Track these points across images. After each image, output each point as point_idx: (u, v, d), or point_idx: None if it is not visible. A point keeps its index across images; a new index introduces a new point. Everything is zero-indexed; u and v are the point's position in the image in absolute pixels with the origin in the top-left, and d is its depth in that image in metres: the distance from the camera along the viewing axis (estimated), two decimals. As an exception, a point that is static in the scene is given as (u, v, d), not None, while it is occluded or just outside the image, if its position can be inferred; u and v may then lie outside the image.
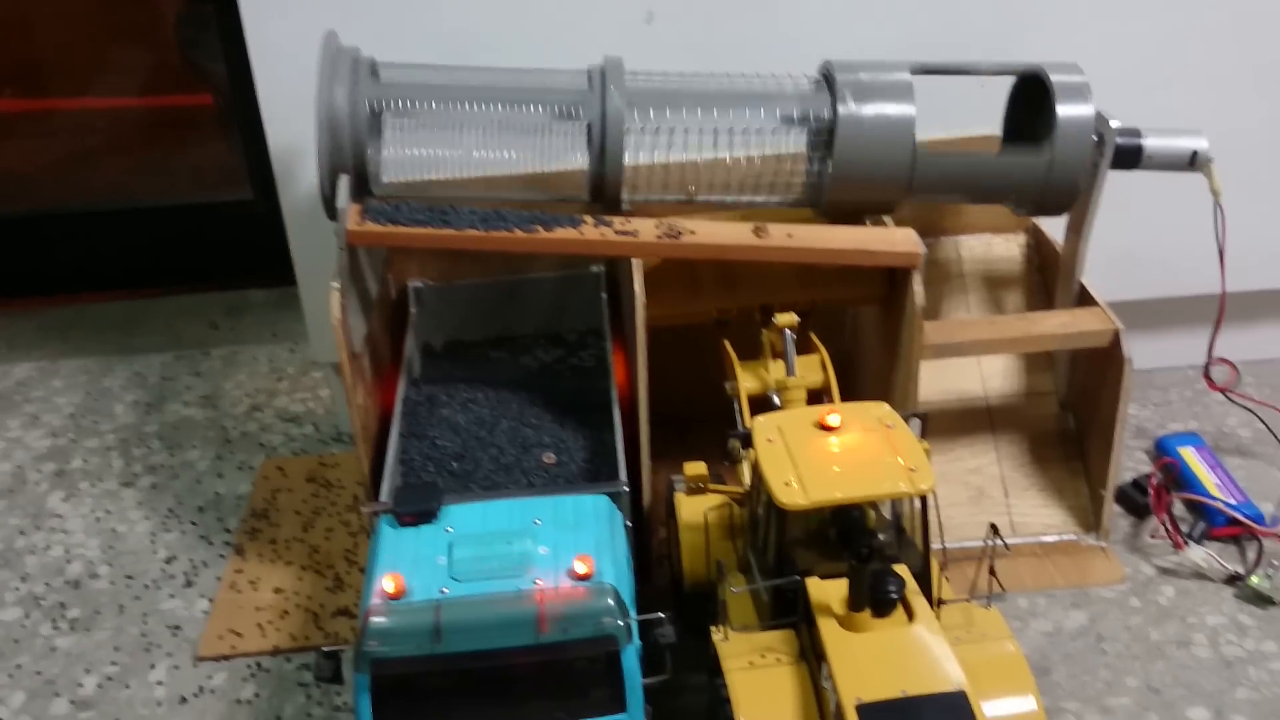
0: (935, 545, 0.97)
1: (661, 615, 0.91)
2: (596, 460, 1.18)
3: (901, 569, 0.93)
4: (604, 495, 1.01)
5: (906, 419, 1.00)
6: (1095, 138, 1.18)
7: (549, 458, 1.18)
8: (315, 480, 1.45)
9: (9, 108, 2.32)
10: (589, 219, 1.14)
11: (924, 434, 1.05)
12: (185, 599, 1.28)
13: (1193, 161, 1.21)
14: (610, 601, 0.88)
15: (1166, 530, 1.25)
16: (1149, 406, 1.51)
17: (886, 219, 1.22)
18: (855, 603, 0.89)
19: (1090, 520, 1.29)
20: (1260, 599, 1.19)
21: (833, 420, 0.98)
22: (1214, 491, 1.30)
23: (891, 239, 1.16)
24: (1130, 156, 1.20)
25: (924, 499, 0.95)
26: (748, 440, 1.01)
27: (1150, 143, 1.20)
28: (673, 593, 1.19)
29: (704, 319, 1.23)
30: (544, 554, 0.92)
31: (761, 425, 1.00)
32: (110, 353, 1.77)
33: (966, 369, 1.37)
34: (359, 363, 1.15)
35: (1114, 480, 1.25)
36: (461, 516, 0.97)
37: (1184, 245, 1.31)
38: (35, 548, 1.37)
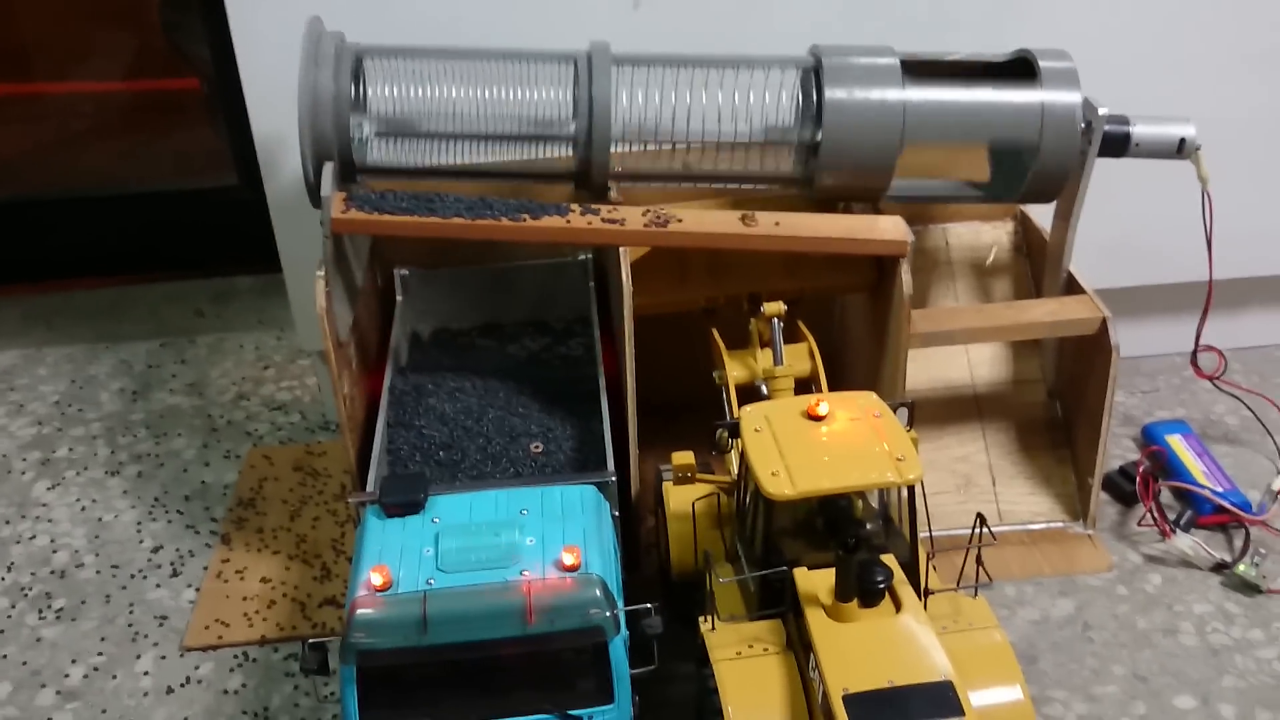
0: (923, 534, 0.97)
1: (649, 606, 0.91)
2: (584, 449, 1.17)
3: (889, 559, 0.93)
4: (591, 485, 1.01)
5: (894, 408, 1.00)
6: (1083, 125, 1.17)
7: (536, 447, 1.17)
8: (302, 469, 1.45)
9: (-8, 92, 2.31)
10: (576, 207, 1.14)
11: (911, 423, 1.05)
12: (172, 589, 1.28)
13: (1180, 149, 1.21)
14: (597, 593, 0.88)
15: (1154, 518, 1.25)
16: (1136, 394, 1.52)
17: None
18: (842, 593, 0.89)
19: (1077, 508, 1.29)
20: (1247, 587, 1.20)
21: (820, 410, 0.97)
22: (1201, 479, 1.30)
23: (879, 227, 1.16)
24: (1118, 144, 1.20)
25: (911, 488, 0.95)
26: (735, 430, 1.01)
27: (1138, 130, 1.20)
28: (661, 582, 1.19)
29: (692, 307, 1.23)
30: (531, 545, 0.92)
31: (749, 415, 0.99)
32: (96, 340, 1.76)
33: (954, 357, 1.37)
34: (345, 352, 1.15)
35: (1101, 468, 1.25)
36: (448, 507, 0.97)
37: (1171, 232, 1.31)
38: (20, 537, 1.36)
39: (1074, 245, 1.26)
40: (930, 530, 0.98)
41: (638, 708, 0.92)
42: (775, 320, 1.15)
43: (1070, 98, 1.16)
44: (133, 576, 1.30)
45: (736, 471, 1.06)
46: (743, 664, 0.92)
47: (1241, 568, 1.21)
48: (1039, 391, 1.36)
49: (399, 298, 1.36)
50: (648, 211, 1.14)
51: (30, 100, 2.31)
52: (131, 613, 1.25)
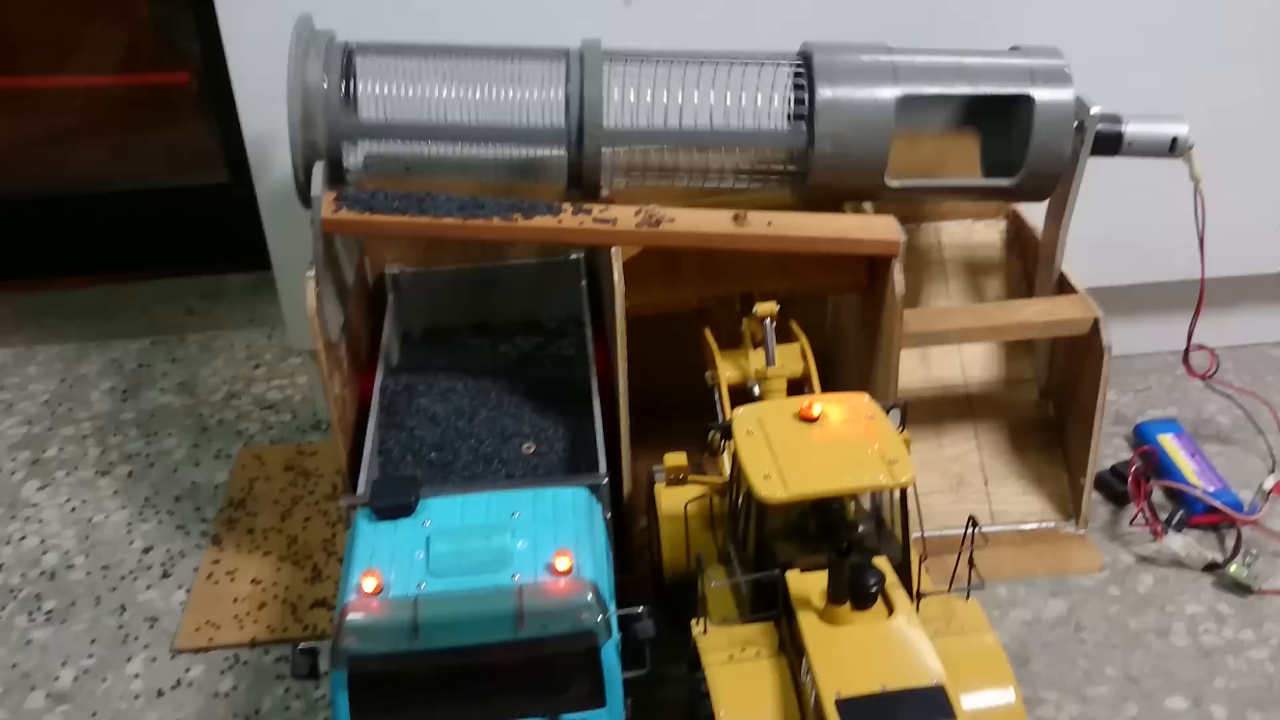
0: (915, 534, 0.97)
1: (641, 610, 0.91)
2: (576, 450, 1.17)
3: (881, 562, 0.93)
4: (583, 487, 1.01)
5: (887, 410, 1.00)
6: (1075, 124, 1.17)
7: (529, 448, 1.17)
8: (293, 469, 1.44)
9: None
10: (568, 207, 1.13)
11: (904, 424, 1.05)
12: (162, 590, 1.27)
13: (1173, 148, 1.21)
14: (589, 597, 0.88)
15: (1146, 518, 1.25)
16: (1128, 392, 1.52)
17: (867, 206, 1.22)
18: (835, 596, 0.89)
19: (1070, 508, 1.29)
20: (1238, 587, 1.20)
21: (813, 412, 0.97)
22: (1193, 479, 1.30)
23: (872, 227, 1.16)
24: (1111, 143, 1.20)
25: (904, 491, 0.94)
26: (728, 432, 1.01)
27: (1131, 129, 1.20)
28: (653, 583, 1.18)
29: (684, 307, 1.23)
30: (523, 548, 0.92)
31: (741, 417, 0.99)
32: (86, 339, 1.76)
33: (947, 356, 1.37)
34: (336, 352, 1.14)
35: (1093, 468, 1.25)
36: (439, 510, 0.97)
37: (1163, 231, 1.30)
38: (10, 538, 1.36)
39: (1066, 244, 1.26)
40: (922, 530, 0.98)
41: (630, 711, 0.92)
42: (768, 321, 1.14)
43: (1062, 96, 1.16)
44: (123, 578, 1.29)
45: (729, 473, 1.06)
46: (735, 668, 0.92)
47: (1233, 568, 1.20)
48: (1031, 391, 1.36)
49: (390, 297, 1.36)
50: (639, 211, 1.13)
51: (18, 95, 2.30)
52: (122, 614, 1.24)
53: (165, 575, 1.29)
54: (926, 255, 1.40)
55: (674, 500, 1.12)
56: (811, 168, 1.16)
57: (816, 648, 0.87)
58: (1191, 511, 1.28)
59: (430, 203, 1.11)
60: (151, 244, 1.94)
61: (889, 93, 1.14)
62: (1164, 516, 1.27)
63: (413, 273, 1.36)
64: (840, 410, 0.98)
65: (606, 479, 1.05)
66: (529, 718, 0.89)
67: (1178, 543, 1.23)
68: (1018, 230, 1.38)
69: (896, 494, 0.95)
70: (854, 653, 0.87)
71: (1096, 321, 1.20)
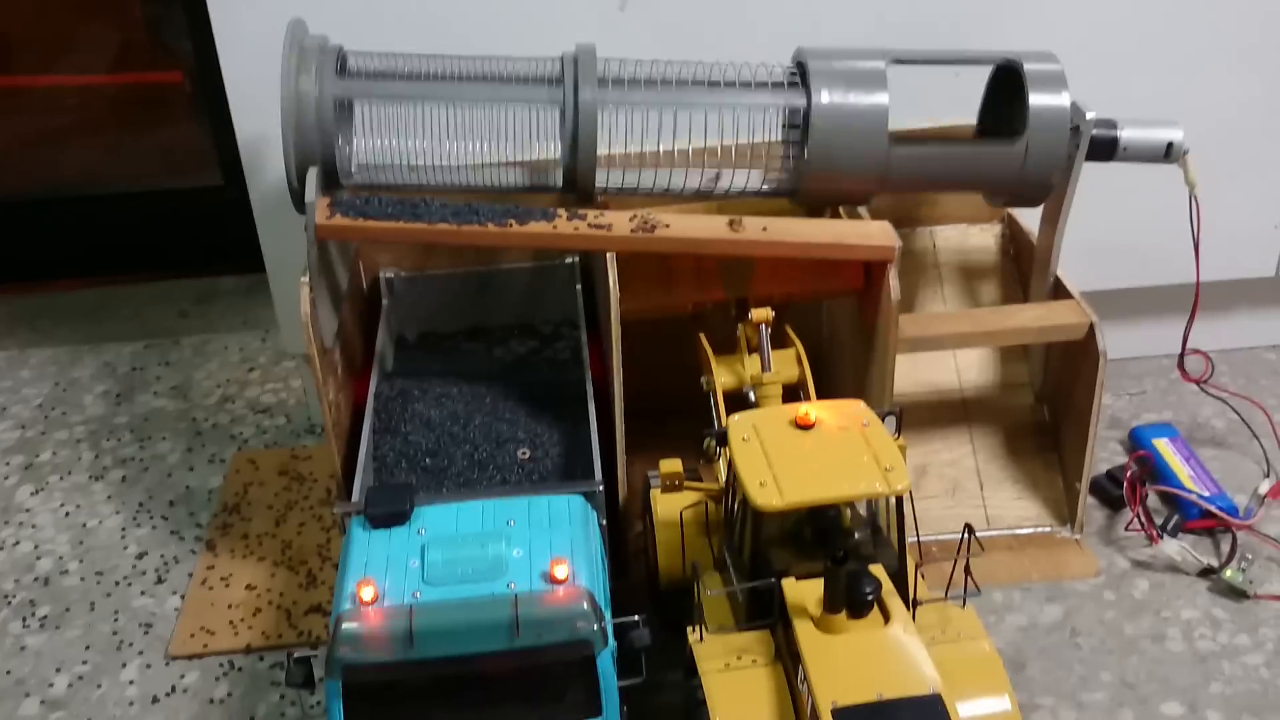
0: (910, 539, 0.97)
1: (637, 618, 0.91)
2: (572, 455, 1.17)
3: (877, 569, 0.93)
4: (579, 495, 1.00)
5: (882, 416, 1.00)
6: (1071, 128, 1.17)
7: (524, 453, 1.17)
8: (287, 473, 1.44)
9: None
10: (562, 212, 1.13)
11: (899, 430, 1.05)
12: (156, 596, 1.27)
13: (1168, 153, 1.20)
14: (585, 605, 0.88)
15: (1141, 523, 1.25)
16: (1123, 396, 1.52)
17: (862, 211, 1.22)
18: (831, 604, 0.89)
19: (1065, 513, 1.29)
20: (1234, 592, 1.20)
21: (808, 419, 0.97)
22: (1188, 484, 1.30)
23: (866, 232, 1.16)
24: (1106, 148, 1.20)
25: (899, 498, 0.94)
26: (723, 439, 1.00)
27: (1126, 134, 1.19)
28: (649, 589, 1.18)
29: (679, 312, 1.22)
30: (518, 556, 0.92)
31: (736, 424, 0.99)
32: (79, 342, 1.75)
33: (942, 361, 1.36)
34: (330, 358, 1.14)
35: (1089, 473, 1.25)
36: (434, 518, 0.96)
37: (1158, 235, 1.30)
38: (4, 543, 1.35)
39: (1061, 248, 1.25)
40: (918, 535, 0.98)
41: (625, 718, 0.92)
42: (763, 326, 1.14)
43: (1058, 101, 1.16)
44: (117, 584, 1.29)
45: (724, 480, 1.06)
46: (731, 675, 0.92)
47: (1228, 573, 1.20)
48: (1026, 395, 1.36)
49: (384, 301, 1.35)
50: (634, 216, 1.13)
51: (10, 94, 2.29)
52: (116, 620, 1.24)
53: (159, 581, 1.29)
54: (921, 259, 1.40)
55: (670, 506, 1.12)
56: (806, 173, 1.16)
57: (813, 656, 0.87)
58: (1187, 516, 1.28)
59: (424, 208, 1.11)
60: (145, 246, 1.94)
61: (884, 99, 1.14)
62: (1159, 521, 1.27)
63: (407, 276, 1.35)
64: (836, 417, 0.98)
65: (602, 486, 1.05)
66: (525, 726, 0.89)
67: (1173, 547, 1.23)
68: (1013, 235, 1.38)
69: (892, 501, 0.95)
70: (850, 661, 0.87)
71: (1092, 326, 1.20)
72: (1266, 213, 1.47)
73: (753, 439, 0.97)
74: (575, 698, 0.89)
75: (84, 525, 1.38)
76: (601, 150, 1.14)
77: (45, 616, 1.25)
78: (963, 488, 1.30)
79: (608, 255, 1.13)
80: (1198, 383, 1.35)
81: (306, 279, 1.08)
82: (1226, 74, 1.38)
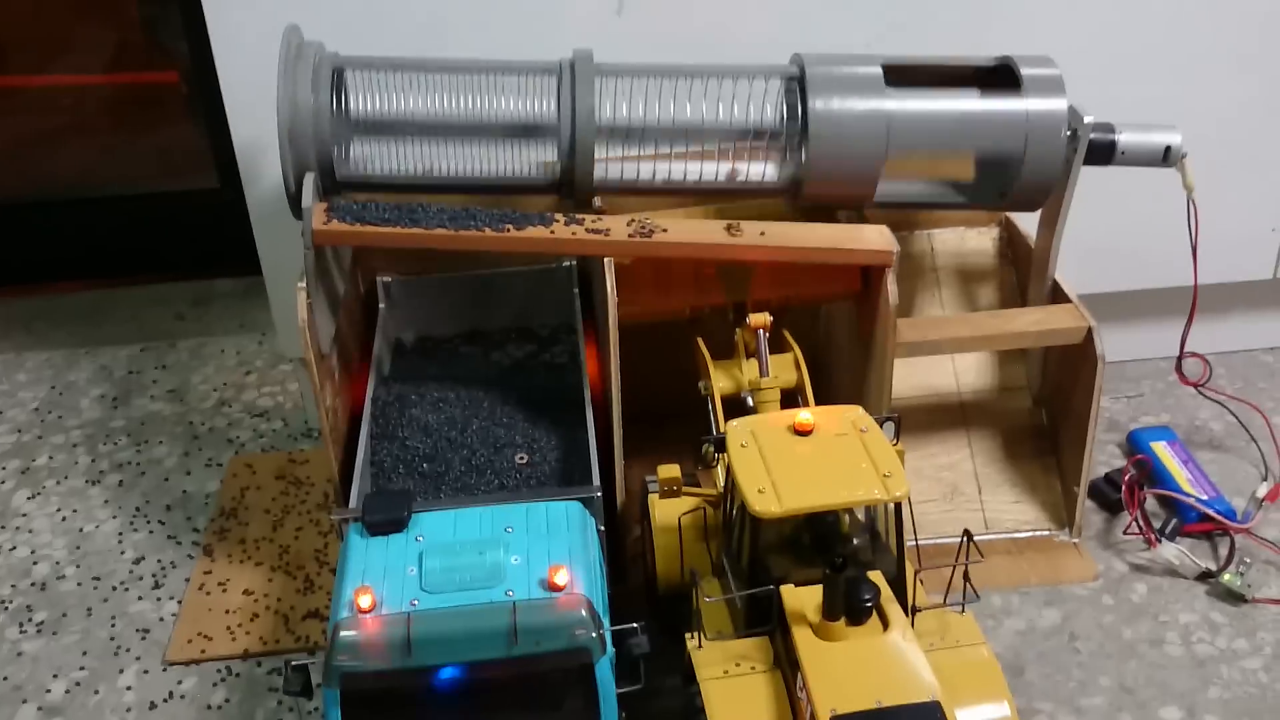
0: (909, 543, 0.97)
1: (635, 626, 0.91)
2: (569, 459, 1.17)
3: (876, 576, 0.93)
4: (577, 501, 1.00)
5: (881, 422, 1.00)
6: (1069, 133, 1.17)
7: (521, 458, 1.17)
8: (284, 478, 1.44)
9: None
10: (560, 217, 1.13)
11: (898, 436, 1.04)
12: (154, 601, 1.27)
13: (1166, 157, 1.20)
14: (583, 613, 0.88)
15: (1139, 527, 1.25)
16: (1121, 399, 1.51)
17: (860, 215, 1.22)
18: (830, 612, 0.89)
19: (1063, 516, 1.29)
20: (1232, 596, 1.20)
21: (806, 425, 0.97)
22: (1186, 487, 1.30)
23: (864, 237, 1.16)
24: (1104, 152, 1.20)
25: (898, 505, 0.94)
26: (721, 444, 1.00)
27: (1124, 138, 1.19)
28: (646, 594, 1.18)
29: (677, 316, 1.22)
30: (516, 564, 0.91)
31: (735, 430, 0.99)
32: (75, 345, 1.75)
33: (940, 364, 1.36)
34: (327, 364, 1.14)
35: (1087, 477, 1.25)
36: (432, 525, 0.96)
37: (1156, 238, 1.31)
38: (0, 548, 1.35)
39: (1059, 252, 1.25)
40: (916, 539, 0.98)
41: (624, 726, 0.92)
42: (761, 331, 1.14)
43: (1055, 105, 1.15)
44: (114, 589, 1.28)
45: (722, 486, 1.06)
46: (730, 683, 0.92)
47: (1227, 577, 1.20)
48: (1024, 399, 1.36)
49: (381, 305, 1.35)
50: (632, 221, 1.13)
51: (5, 95, 2.29)
52: (113, 626, 1.24)
53: (157, 586, 1.29)
54: (919, 262, 1.40)
55: (668, 512, 1.12)
56: (804, 179, 1.15)
57: (812, 663, 0.87)
58: (1185, 520, 1.28)
59: (421, 214, 1.11)
60: (141, 249, 1.93)
61: (882, 104, 1.13)
62: (1157, 525, 1.27)
63: (404, 280, 1.35)
64: (834, 423, 0.98)
65: (600, 492, 1.05)
66: (523, 734, 0.89)
67: (1171, 551, 1.23)
68: (1010, 238, 1.38)
69: (891, 507, 0.95)
70: (849, 668, 0.87)
71: (1090, 331, 1.20)
72: (1264, 215, 1.47)
73: (751, 445, 0.96)
74: (574, 705, 0.89)
75: (81, 530, 1.37)
76: (599, 154, 1.14)
77: (42, 622, 1.25)
78: (961, 491, 1.30)
79: (605, 260, 1.13)
80: (1195, 386, 1.35)
81: (304, 285, 1.08)
82: (1224, 78, 1.38)
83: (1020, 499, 1.30)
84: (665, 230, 1.13)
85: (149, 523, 1.38)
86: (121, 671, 1.18)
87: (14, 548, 1.35)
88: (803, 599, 0.92)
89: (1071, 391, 1.25)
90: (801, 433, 0.97)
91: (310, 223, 1.08)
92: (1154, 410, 1.50)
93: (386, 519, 0.96)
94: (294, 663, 0.91)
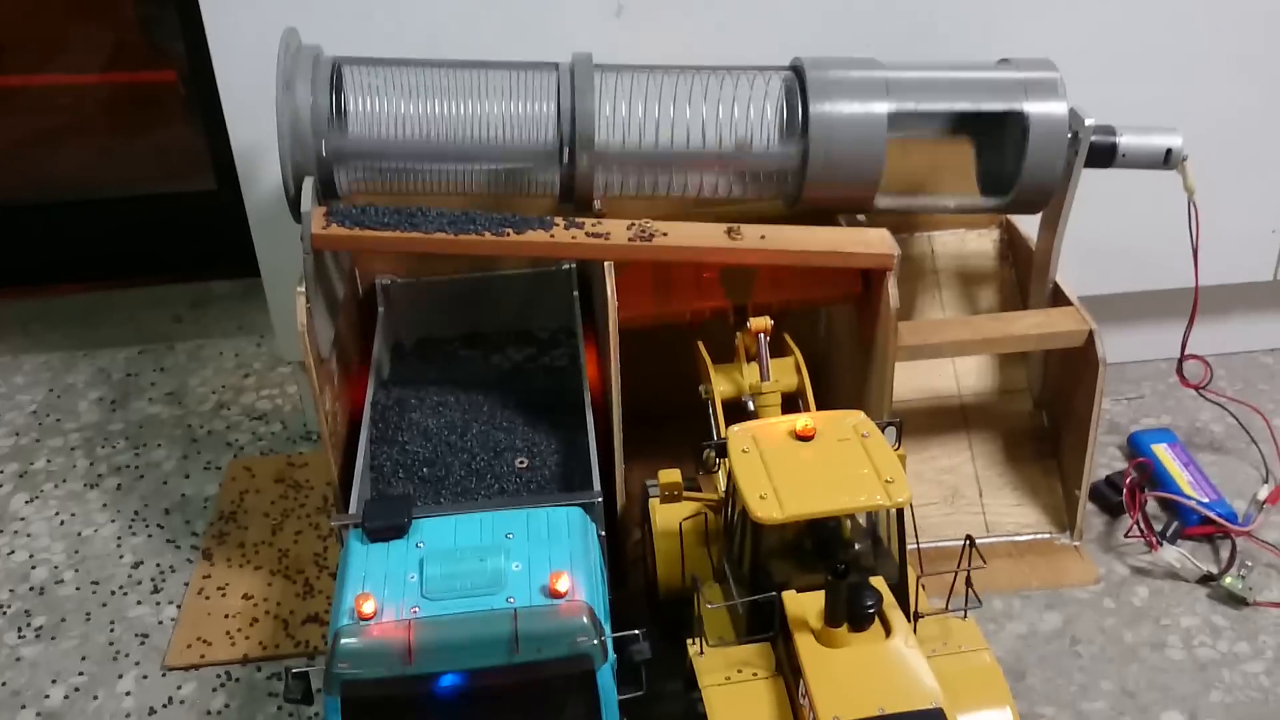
0: (910, 546, 0.96)
1: (637, 633, 0.90)
2: (570, 463, 1.16)
3: (878, 581, 0.92)
4: (577, 506, 1.00)
5: (882, 427, 1.00)
6: (1070, 135, 1.17)
7: (522, 462, 1.16)
8: (284, 481, 1.43)
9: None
10: (560, 221, 1.12)
11: (899, 441, 1.04)
12: (153, 606, 1.26)
13: (1167, 159, 1.20)
14: (585, 620, 0.87)
15: (1140, 530, 1.25)
16: (1122, 401, 1.51)
17: (861, 218, 1.21)
18: (832, 618, 0.89)
19: (1064, 519, 1.28)
20: (1233, 599, 1.19)
21: (808, 430, 0.97)
22: (1187, 490, 1.30)
23: (865, 240, 1.15)
24: (1105, 154, 1.19)
25: (900, 510, 0.94)
26: (722, 450, 1.00)
27: (1125, 141, 1.19)
28: (647, 598, 1.18)
29: (677, 320, 1.22)
30: (517, 570, 0.91)
31: (736, 436, 0.99)
32: (73, 347, 1.74)
33: (940, 366, 1.36)
34: (327, 368, 1.14)
35: (1088, 480, 1.25)
36: (432, 531, 0.96)
37: (1157, 240, 1.30)
38: (-2, 552, 1.35)
39: (1060, 254, 1.25)
40: (918, 542, 0.97)
41: (625, 731, 0.91)
42: (762, 335, 1.14)
43: (1056, 109, 1.15)
44: (113, 593, 1.28)
45: (724, 491, 1.05)
46: (731, 689, 0.91)
47: (1228, 580, 1.20)
48: (1025, 401, 1.36)
49: (380, 308, 1.35)
50: (632, 225, 1.13)
51: (3, 96, 2.28)
52: (112, 630, 1.23)
53: (156, 590, 1.28)
54: (919, 264, 1.40)
55: (668, 517, 1.11)
56: (804, 182, 1.15)
57: (814, 670, 0.87)
58: (1186, 523, 1.27)
59: (421, 218, 1.10)
60: (139, 251, 1.93)
61: (881, 107, 1.13)
62: (1159, 528, 1.27)
63: (403, 283, 1.35)
64: (836, 428, 0.98)
65: (601, 498, 1.05)
66: (524, 741, 0.88)
67: (1172, 554, 1.23)
68: (1011, 240, 1.38)
69: (893, 512, 0.95)
70: (852, 675, 0.87)
71: (1091, 334, 1.19)
72: (1265, 217, 1.47)
73: (752, 451, 0.96)
74: (575, 712, 0.88)
75: (79, 534, 1.37)
76: (599, 158, 1.13)
77: (41, 627, 1.24)
78: (962, 494, 1.30)
79: (605, 264, 1.12)
80: (1196, 388, 1.35)
81: (303, 290, 1.07)
82: (1225, 80, 1.38)
83: (1021, 502, 1.30)
84: (665, 234, 1.12)
85: (148, 526, 1.37)
86: (120, 677, 1.18)
87: (12, 552, 1.35)
88: (805, 605, 0.92)
89: (1072, 394, 1.25)
90: (803, 438, 0.97)
91: (310, 227, 1.08)
92: (1155, 412, 1.49)
93: (387, 525, 0.95)
94: (294, 670, 0.91)
